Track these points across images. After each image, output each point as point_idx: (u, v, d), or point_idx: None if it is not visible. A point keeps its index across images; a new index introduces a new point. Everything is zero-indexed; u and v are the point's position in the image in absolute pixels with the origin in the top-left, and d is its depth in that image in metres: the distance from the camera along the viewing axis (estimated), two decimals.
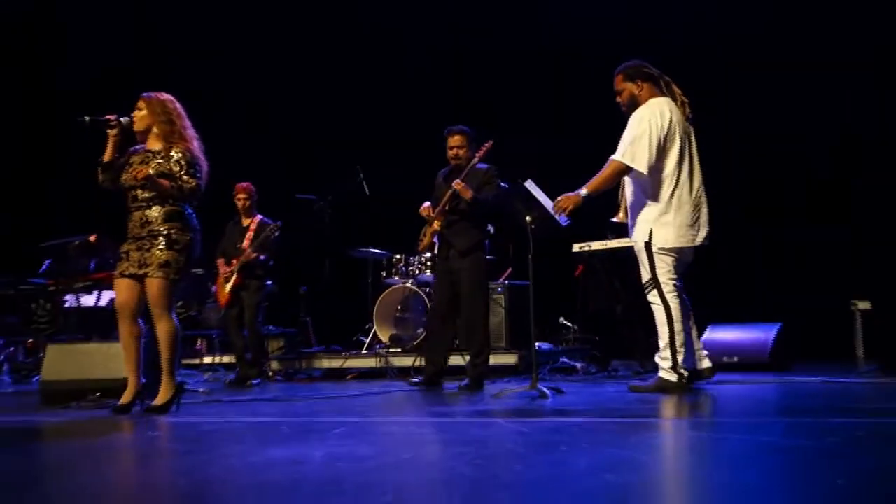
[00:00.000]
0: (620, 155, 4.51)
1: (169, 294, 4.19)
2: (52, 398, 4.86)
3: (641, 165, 4.48)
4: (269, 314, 7.24)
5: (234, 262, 6.64)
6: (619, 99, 4.71)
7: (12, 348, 8.51)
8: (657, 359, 4.58)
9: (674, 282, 4.58)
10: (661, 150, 4.51)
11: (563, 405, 4.10)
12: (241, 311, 6.63)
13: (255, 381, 6.46)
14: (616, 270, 6.48)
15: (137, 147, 4.41)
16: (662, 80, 4.67)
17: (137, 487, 2.41)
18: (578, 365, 6.58)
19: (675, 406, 3.99)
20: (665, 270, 4.55)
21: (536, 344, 6.62)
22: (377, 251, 7.60)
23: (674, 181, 4.53)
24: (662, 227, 4.56)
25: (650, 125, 4.48)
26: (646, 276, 4.61)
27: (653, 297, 4.58)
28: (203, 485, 2.30)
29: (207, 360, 8.25)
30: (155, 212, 4.24)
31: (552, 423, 3.48)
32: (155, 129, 4.31)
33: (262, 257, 6.62)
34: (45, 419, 4.27)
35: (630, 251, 6.18)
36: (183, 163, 4.27)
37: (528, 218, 4.85)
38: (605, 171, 4.55)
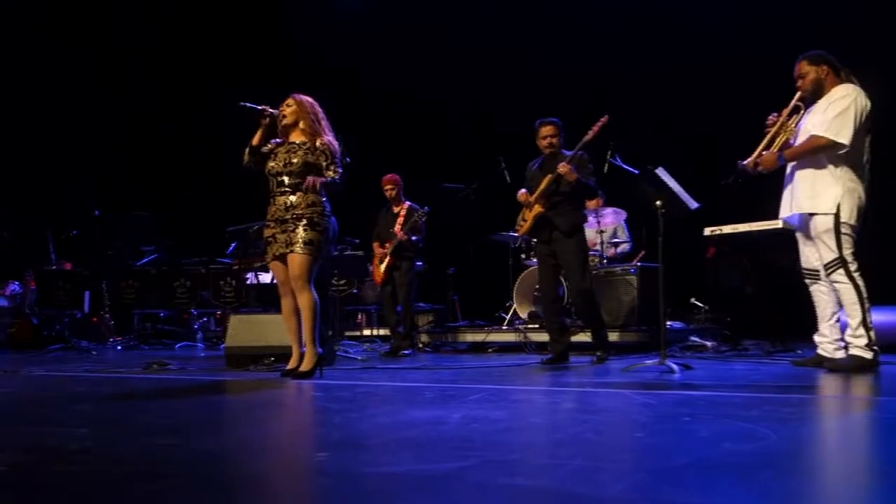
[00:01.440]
0: (823, 130, 4.30)
1: (310, 269, 4.28)
2: (235, 361, 5.14)
3: (845, 139, 4.27)
4: (419, 292, 7.35)
5: (388, 244, 6.75)
6: (799, 84, 4.52)
7: (205, 319, 9.21)
8: (848, 337, 4.33)
9: (857, 261, 4.36)
10: (859, 129, 4.33)
11: (690, 380, 3.98)
12: (395, 288, 6.77)
13: (406, 352, 6.57)
14: (746, 252, 6.30)
15: (278, 140, 4.51)
16: (843, 71, 4.49)
17: (296, 436, 2.54)
18: (709, 343, 6.34)
19: (817, 381, 3.80)
20: (850, 249, 4.35)
21: (668, 323, 6.60)
22: (516, 235, 7.49)
23: (863, 161, 4.36)
24: (849, 204, 4.34)
25: (855, 102, 4.30)
26: (830, 255, 4.35)
27: (839, 275, 4.33)
28: (352, 437, 2.38)
29: (366, 332, 8.63)
30: (298, 197, 4.36)
31: (678, 396, 3.38)
32: (301, 125, 4.44)
33: (413, 238, 6.70)
34: (226, 378, 4.53)
35: (761, 234, 6.10)
36: (328, 153, 4.39)
37: (657, 202, 4.78)
38: (806, 146, 4.38)
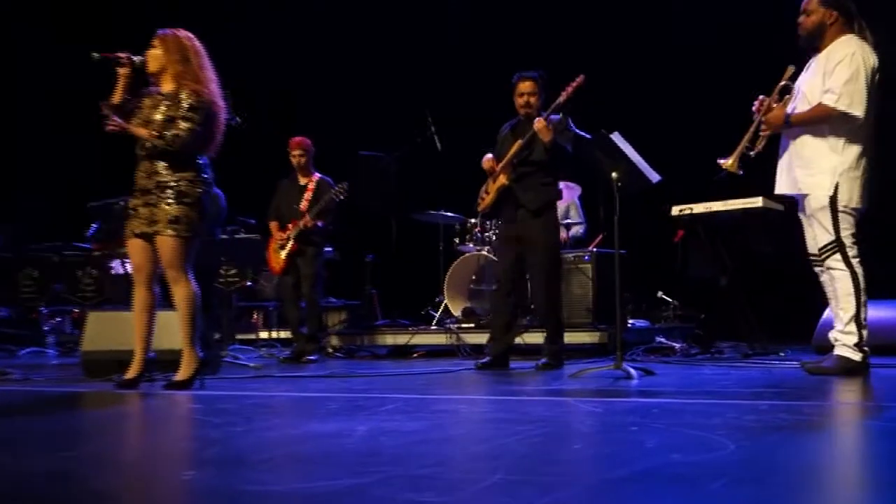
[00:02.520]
0: (835, 100, 4.37)
1: (183, 253, 4.27)
2: (95, 369, 5.03)
3: (859, 110, 4.36)
4: (329, 284, 7.41)
5: (290, 226, 6.79)
6: (801, 21, 4.58)
7: (58, 319, 8.86)
8: (835, 334, 4.46)
9: (856, 246, 4.47)
10: (871, 95, 4.41)
11: (649, 386, 4.14)
12: (298, 280, 6.77)
13: (311, 357, 6.61)
14: (721, 237, 6.47)
15: (151, 90, 4.47)
16: (858, 22, 4.53)
17: (160, 452, 2.57)
18: (677, 345, 6.53)
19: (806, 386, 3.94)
20: (849, 232, 4.45)
21: (630, 321, 6.98)
22: (450, 214, 7.71)
23: (868, 133, 4.45)
24: (850, 182, 4.44)
25: (863, 64, 4.36)
26: (826, 237, 4.47)
27: (835, 261, 4.45)
28: (232, 453, 2.42)
29: (263, 334, 8.57)
30: (163, 162, 4.31)
31: (630, 404, 3.51)
32: (169, 70, 4.37)
33: (321, 224, 6.74)
34: (81, 389, 4.50)
35: (738, 215, 6.23)
36: (186, 106, 4.32)
37: (613, 174, 4.87)
38: (814, 113, 4.46)
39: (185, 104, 4.31)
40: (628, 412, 3.22)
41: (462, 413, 3.43)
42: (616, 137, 4.92)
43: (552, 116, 5.29)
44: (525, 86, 5.41)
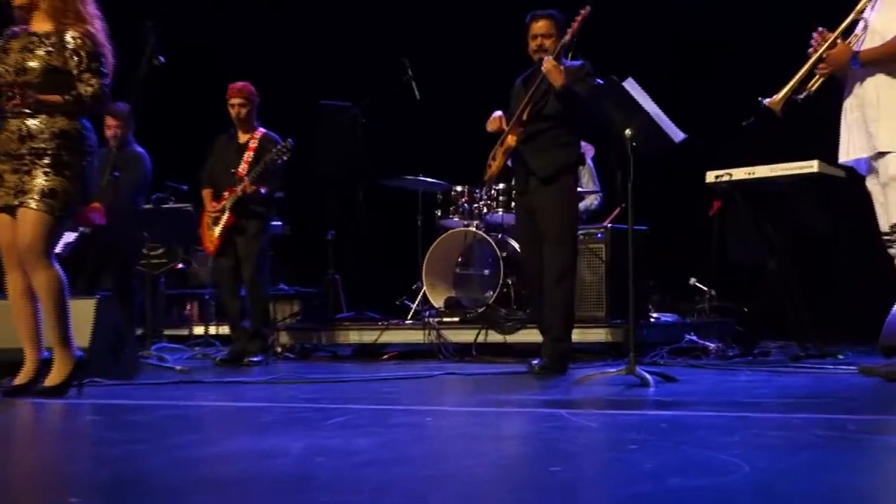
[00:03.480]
0: None
1: (49, 234, 4.27)
2: None
3: None
4: (278, 267, 7.48)
5: (226, 194, 6.74)
6: None
7: None
8: None
9: None
10: None
11: (666, 395, 4.19)
12: (237, 262, 6.77)
13: (255, 359, 6.61)
14: (767, 210, 6.46)
15: (17, 29, 4.46)
16: None
17: (36, 475, 2.59)
18: (712, 345, 6.57)
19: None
20: None
21: (654, 315, 6.98)
22: (430, 180, 7.68)
23: None
24: None
25: None
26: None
27: None
28: (131, 476, 2.46)
29: (199, 330, 8.54)
30: (40, 122, 4.32)
31: (636, 417, 3.56)
32: (42, 5, 4.36)
33: (263, 190, 6.74)
34: None
35: (789, 183, 6.22)
36: (83, 53, 4.32)
37: (626, 131, 4.88)
38: (892, 46, 4.48)
39: (82, 50, 4.32)
40: (631, 427, 3.25)
41: (426, 428, 3.46)
42: (630, 85, 4.95)
43: (571, 63, 5.40)
44: (538, 26, 5.49)
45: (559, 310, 5.46)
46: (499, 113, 5.55)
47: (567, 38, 5.32)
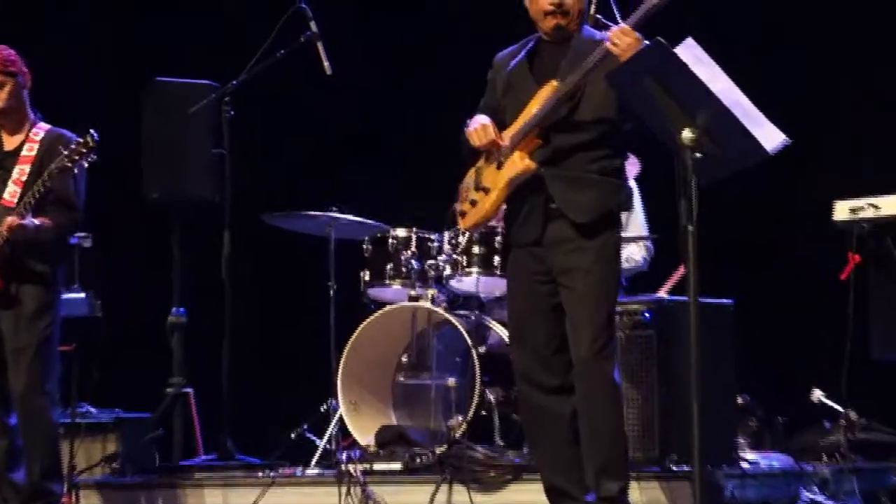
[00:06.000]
0: None
1: None
2: None
3: None
4: (80, 375, 5.84)
5: None
6: None
7: None
8: None
9: None
10: None
11: None
12: (2, 366, 5.43)
13: None
14: None
15: None
16: None
17: None
18: None
19: None
20: None
21: (751, 458, 5.87)
22: (351, 218, 6.33)
23: None
24: None
25: None
26: None
27: None
28: None
29: None
30: None
31: None
32: None
33: (44, 225, 5.36)
34: None
35: None
36: None
37: (685, 132, 4.00)
38: None
39: None
40: None
41: None
42: (688, 51, 4.08)
43: (591, 31, 4.73)
44: None
45: (607, 442, 4.57)
46: (483, 119, 4.70)
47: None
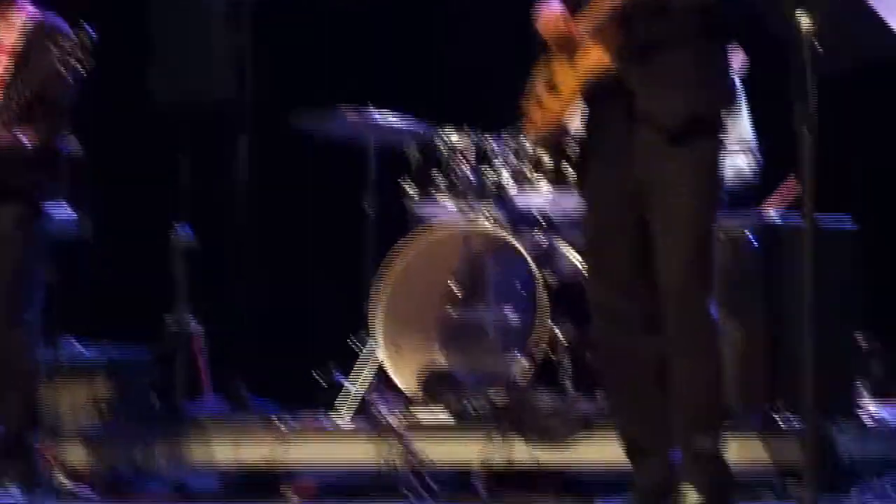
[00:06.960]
0: None
1: None
2: None
3: None
4: (66, 306, 5.68)
5: None
6: None
7: None
8: None
9: None
10: None
11: None
12: None
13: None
14: None
15: None
16: None
17: None
18: None
19: None
20: None
21: (875, 410, 5.74)
22: (393, 120, 5.87)
23: None
24: None
25: None
26: None
27: None
28: None
29: None
30: None
31: None
32: None
33: (28, 140, 5.05)
34: None
35: None
36: None
37: (801, 17, 3.43)
38: None
39: None
40: None
41: None
42: None
43: None
44: None
45: (700, 388, 4.08)
46: (556, 5, 4.18)
47: None
